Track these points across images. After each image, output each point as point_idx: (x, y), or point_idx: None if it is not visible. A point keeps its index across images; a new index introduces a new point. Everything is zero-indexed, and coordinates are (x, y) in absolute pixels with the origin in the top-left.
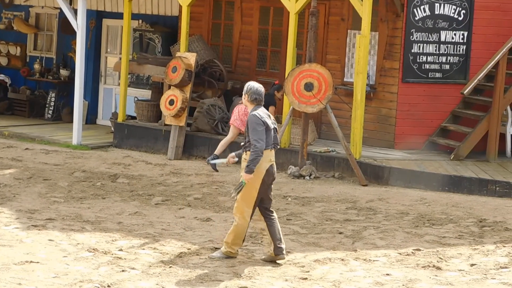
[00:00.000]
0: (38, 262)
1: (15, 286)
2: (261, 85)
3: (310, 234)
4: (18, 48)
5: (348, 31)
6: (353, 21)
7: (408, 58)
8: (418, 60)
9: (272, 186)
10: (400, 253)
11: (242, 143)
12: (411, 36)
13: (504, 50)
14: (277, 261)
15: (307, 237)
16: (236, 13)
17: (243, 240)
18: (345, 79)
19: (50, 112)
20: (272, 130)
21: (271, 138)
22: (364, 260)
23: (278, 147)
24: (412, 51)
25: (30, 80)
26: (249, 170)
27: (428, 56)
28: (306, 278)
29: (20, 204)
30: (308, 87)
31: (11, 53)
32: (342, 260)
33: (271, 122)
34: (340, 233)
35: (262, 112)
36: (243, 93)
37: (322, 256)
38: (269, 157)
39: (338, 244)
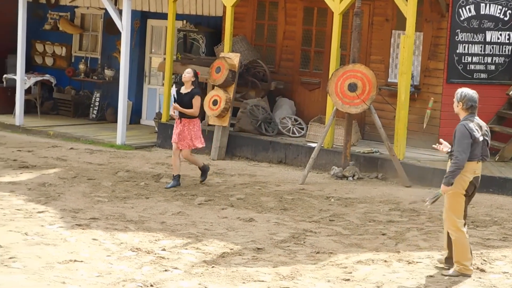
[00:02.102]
0: (81, 261)
1: (59, 285)
2: (475, 91)
3: (353, 235)
4: (64, 48)
5: (393, 31)
6: (397, 21)
7: (453, 58)
8: (463, 61)
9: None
10: (443, 255)
11: (448, 150)
12: (456, 37)
13: None
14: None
15: (350, 238)
16: (280, 13)
17: (470, 252)
18: (389, 80)
19: (95, 112)
20: (482, 142)
21: (479, 150)
22: (407, 261)
23: (488, 159)
24: (457, 51)
25: (75, 80)
26: (447, 182)
27: (473, 57)
28: (348, 279)
29: (64, 203)
30: (352, 87)
31: (56, 53)
32: (385, 261)
33: (480, 134)
34: (383, 234)
35: (473, 123)
36: (456, 100)
37: (365, 257)
38: (473, 169)
39: (381, 246)
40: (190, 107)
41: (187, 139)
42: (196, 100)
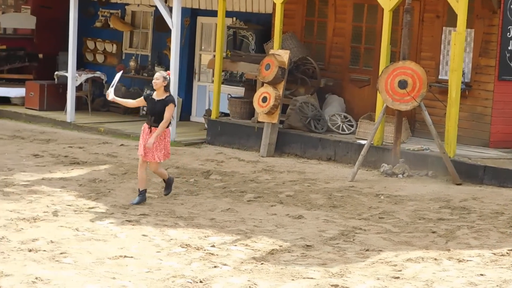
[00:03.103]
0: (131, 257)
1: (109, 280)
2: None
3: (403, 233)
4: (114, 45)
5: (443, 28)
6: (448, 18)
7: (505, 55)
8: None
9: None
10: (494, 253)
11: None
12: (508, 33)
13: None
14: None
15: (400, 235)
16: (329, 10)
17: None
18: (439, 77)
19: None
20: None
21: None
22: (458, 260)
23: None
24: (509, 48)
25: (126, 77)
26: None
27: None
28: (398, 277)
29: (114, 199)
30: (402, 84)
31: (107, 50)
32: (435, 259)
33: None
34: (433, 232)
35: None
36: None
37: (415, 255)
38: None
39: (431, 243)
40: (162, 115)
41: (157, 151)
42: (170, 109)
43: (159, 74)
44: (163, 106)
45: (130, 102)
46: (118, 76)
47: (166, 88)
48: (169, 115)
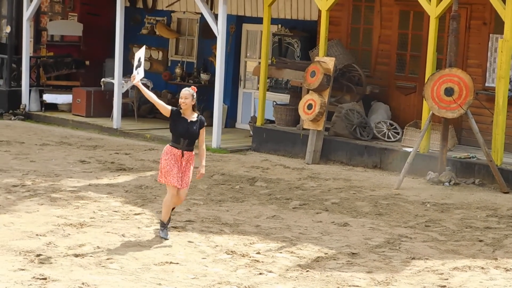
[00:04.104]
0: (177, 263)
1: (155, 286)
2: None
3: (449, 241)
4: (160, 52)
5: (490, 35)
6: (495, 25)
7: None
8: None
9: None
10: None
11: None
12: None
13: None
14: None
15: (446, 244)
16: (375, 17)
17: None
18: (486, 84)
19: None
20: None
21: None
22: (505, 269)
23: None
24: None
25: (171, 84)
26: None
27: None
28: (444, 286)
29: (160, 206)
30: (448, 92)
31: (153, 57)
32: (482, 268)
33: None
34: (480, 241)
35: None
36: None
37: (461, 264)
38: None
39: (478, 252)
40: (195, 137)
41: (187, 176)
42: (204, 132)
43: (187, 93)
44: (198, 129)
45: (155, 99)
46: (141, 52)
47: (195, 107)
48: (204, 138)
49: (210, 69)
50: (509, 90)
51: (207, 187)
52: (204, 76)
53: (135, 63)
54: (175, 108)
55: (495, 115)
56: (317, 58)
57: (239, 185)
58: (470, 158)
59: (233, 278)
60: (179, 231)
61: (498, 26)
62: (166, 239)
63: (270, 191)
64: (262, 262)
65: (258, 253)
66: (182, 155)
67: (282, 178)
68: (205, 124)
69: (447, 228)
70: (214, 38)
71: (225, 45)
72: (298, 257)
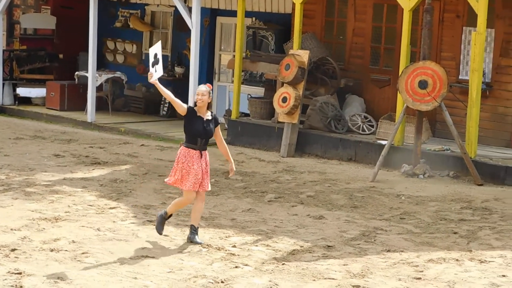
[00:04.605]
0: (153, 257)
1: (131, 280)
2: None
3: (424, 234)
4: (134, 46)
5: (463, 28)
6: (468, 17)
7: None
8: None
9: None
10: None
11: None
12: None
13: None
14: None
15: (421, 236)
16: (349, 10)
17: None
18: (460, 77)
19: (165, 109)
20: None
21: None
22: (479, 260)
23: None
24: None
25: (146, 77)
26: None
27: None
28: (420, 278)
29: (136, 199)
30: (422, 84)
31: (127, 50)
32: (457, 260)
33: None
34: (455, 233)
35: None
36: None
37: (436, 256)
38: None
39: (452, 244)
40: (211, 136)
41: (208, 178)
42: (219, 129)
43: (204, 89)
44: (214, 127)
45: (172, 97)
46: (157, 48)
47: (210, 105)
48: (221, 135)
49: (184, 62)
50: (482, 82)
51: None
52: (178, 70)
53: (151, 59)
54: (190, 106)
55: (468, 107)
56: (291, 51)
57: (214, 178)
58: (444, 150)
59: (209, 272)
60: (154, 225)
61: (471, 19)
62: (200, 243)
63: (245, 184)
64: (238, 255)
65: (234, 246)
66: (201, 156)
67: (257, 171)
68: (220, 122)
69: (422, 221)
70: (188, 31)
71: (199, 38)
72: (273, 250)
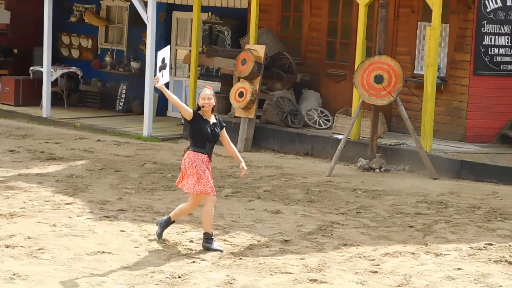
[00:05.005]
0: (110, 253)
1: (88, 276)
2: None
3: (380, 228)
4: (89, 40)
5: (418, 23)
6: (423, 13)
7: (480, 50)
8: (489, 53)
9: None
10: (471, 248)
11: None
12: (483, 28)
13: None
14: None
15: (377, 230)
16: (305, 5)
17: None
18: (415, 72)
19: (121, 104)
20: None
21: None
22: (435, 254)
23: None
24: (484, 43)
25: (101, 72)
26: None
27: (500, 48)
28: (376, 272)
29: (92, 195)
30: (378, 79)
31: (82, 45)
32: (413, 253)
33: None
34: (411, 226)
35: None
36: None
37: (393, 250)
38: None
39: (408, 238)
40: (218, 140)
41: (212, 181)
42: (225, 131)
43: (209, 93)
44: (219, 130)
45: (179, 102)
46: (165, 52)
47: (214, 108)
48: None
49: (140, 57)
50: (437, 77)
51: (138, 176)
52: (134, 65)
53: (158, 63)
54: (195, 110)
55: (424, 102)
56: (247, 46)
57: (171, 173)
58: (400, 144)
59: (166, 267)
60: (111, 221)
61: (426, 14)
62: (221, 250)
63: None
64: (195, 250)
65: (191, 241)
66: (209, 160)
67: (214, 166)
68: (224, 124)
69: (378, 215)
70: (144, 26)
71: (155, 33)
72: (231, 245)
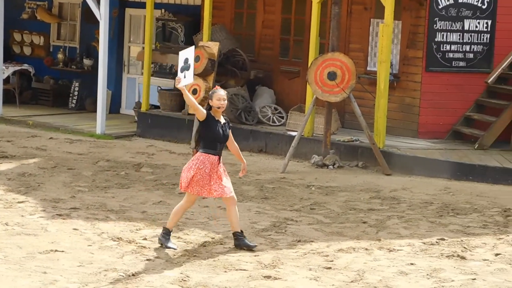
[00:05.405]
0: (63, 251)
1: (40, 275)
2: None
3: (334, 224)
4: (42, 37)
5: (371, 20)
6: (376, 10)
7: (432, 47)
8: (441, 49)
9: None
10: (424, 243)
11: None
12: (435, 25)
13: None
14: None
15: (331, 226)
16: (258, 2)
17: None
18: (368, 68)
19: (74, 101)
20: None
21: None
22: (388, 249)
23: None
24: (436, 40)
25: (54, 69)
26: None
27: (452, 45)
28: (330, 268)
29: (44, 193)
30: (331, 76)
31: (34, 42)
32: (366, 249)
33: None
34: (364, 222)
35: None
36: None
37: (346, 246)
38: None
39: (362, 234)
40: (227, 139)
41: (229, 181)
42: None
43: (223, 93)
44: (229, 130)
45: (196, 105)
46: (188, 52)
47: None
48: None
49: (93, 54)
50: (390, 74)
51: (92, 173)
52: (87, 62)
53: (180, 63)
54: (207, 111)
55: (377, 98)
56: (201, 43)
57: (125, 171)
58: (353, 141)
59: (119, 265)
60: (64, 219)
61: (378, 11)
62: (174, 248)
63: (156, 176)
64: (149, 248)
65: (145, 239)
66: (219, 161)
67: (168, 164)
68: (231, 124)
69: (332, 211)
70: (96, 23)
71: (108, 30)
72: (185, 242)
